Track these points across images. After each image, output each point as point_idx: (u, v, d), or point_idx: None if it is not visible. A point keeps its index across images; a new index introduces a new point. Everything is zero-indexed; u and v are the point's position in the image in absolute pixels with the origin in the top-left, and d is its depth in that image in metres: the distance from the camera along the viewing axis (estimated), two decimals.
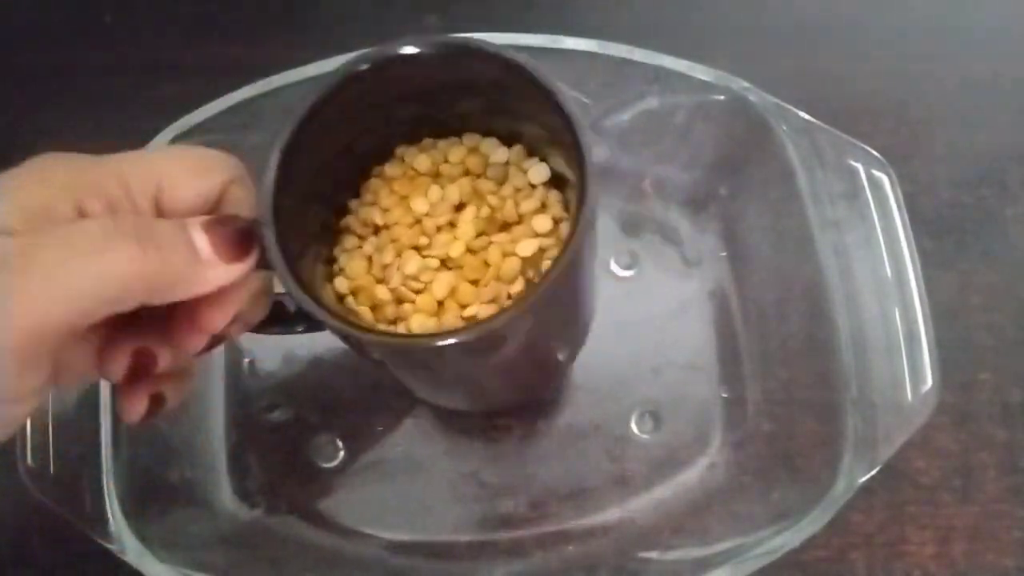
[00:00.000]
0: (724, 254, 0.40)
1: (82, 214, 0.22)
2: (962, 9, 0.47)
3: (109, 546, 0.30)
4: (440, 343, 0.24)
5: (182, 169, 0.24)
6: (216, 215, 0.24)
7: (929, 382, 0.32)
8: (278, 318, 0.29)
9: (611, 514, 0.37)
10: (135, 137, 0.35)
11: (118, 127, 0.43)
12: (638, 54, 0.36)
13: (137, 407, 0.24)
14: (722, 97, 0.36)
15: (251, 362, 0.39)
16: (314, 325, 0.26)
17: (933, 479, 0.38)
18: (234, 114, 0.36)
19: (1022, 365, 0.40)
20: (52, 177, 0.22)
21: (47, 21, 0.46)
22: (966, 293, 0.41)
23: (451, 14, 0.46)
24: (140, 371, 0.24)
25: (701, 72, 0.36)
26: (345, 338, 0.26)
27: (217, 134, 0.36)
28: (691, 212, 0.41)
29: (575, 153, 0.25)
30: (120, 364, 0.23)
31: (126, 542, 0.30)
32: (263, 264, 0.24)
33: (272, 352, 0.39)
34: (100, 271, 0.20)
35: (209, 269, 0.22)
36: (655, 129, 0.39)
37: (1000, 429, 0.39)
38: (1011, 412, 0.39)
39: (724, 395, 0.38)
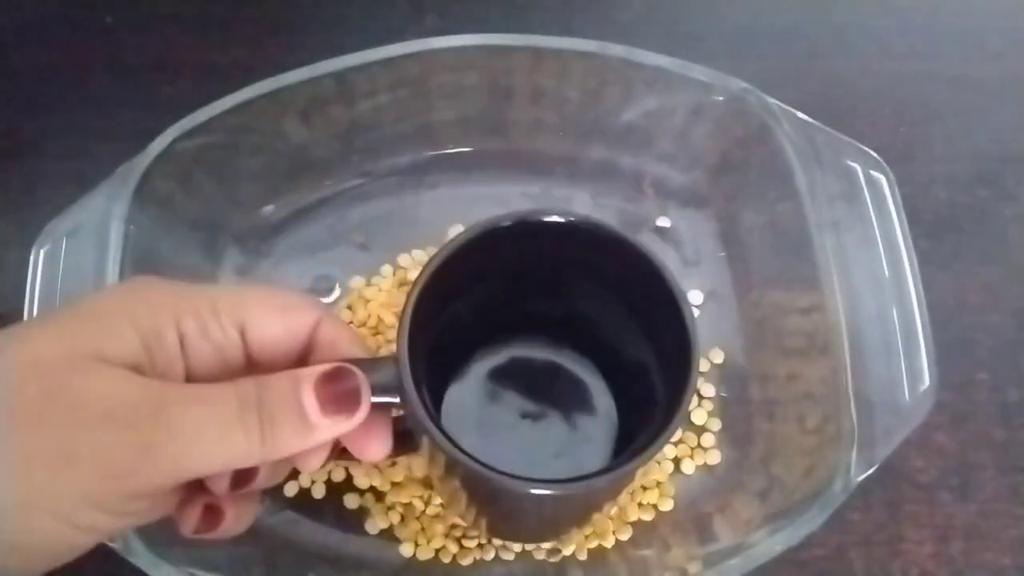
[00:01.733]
0: (723, 254, 0.40)
1: (181, 336, 0.24)
2: (960, 10, 0.47)
3: (111, 544, 0.30)
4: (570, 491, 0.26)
5: (269, 307, 0.26)
6: (328, 369, 0.24)
7: (927, 381, 0.32)
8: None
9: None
10: (135, 137, 0.35)
11: (118, 127, 0.43)
12: (637, 55, 0.36)
13: (190, 520, 0.25)
14: (721, 98, 0.36)
15: None
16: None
17: (931, 478, 0.38)
18: (234, 115, 0.36)
19: (1020, 365, 0.40)
20: (156, 301, 0.24)
21: (48, 21, 0.46)
22: (964, 293, 0.41)
23: (451, 15, 0.46)
24: (209, 525, 0.25)
25: (700, 73, 0.36)
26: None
27: (217, 135, 0.36)
28: (690, 212, 0.41)
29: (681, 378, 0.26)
30: (193, 517, 0.25)
31: (129, 540, 0.30)
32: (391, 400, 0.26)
33: None
34: (227, 449, 0.23)
35: (316, 432, 0.24)
36: (654, 129, 0.39)
37: (998, 428, 0.39)
38: (1009, 411, 0.39)
39: (723, 394, 0.39)
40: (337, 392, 0.24)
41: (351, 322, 0.39)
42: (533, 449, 0.33)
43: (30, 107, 0.45)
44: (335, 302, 0.40)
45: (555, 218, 0.28)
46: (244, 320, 0.25)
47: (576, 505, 0.30)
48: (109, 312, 0.23)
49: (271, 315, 0.26)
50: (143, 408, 0.22)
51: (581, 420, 0.33)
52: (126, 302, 0.24)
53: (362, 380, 0.24)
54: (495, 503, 0.30)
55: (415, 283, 0.27)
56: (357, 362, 0.25)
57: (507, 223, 0.28)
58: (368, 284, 0.40)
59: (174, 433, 0.22)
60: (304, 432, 0.24)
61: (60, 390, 0.21)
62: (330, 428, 0.24)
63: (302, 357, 0.27)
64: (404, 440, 0.28)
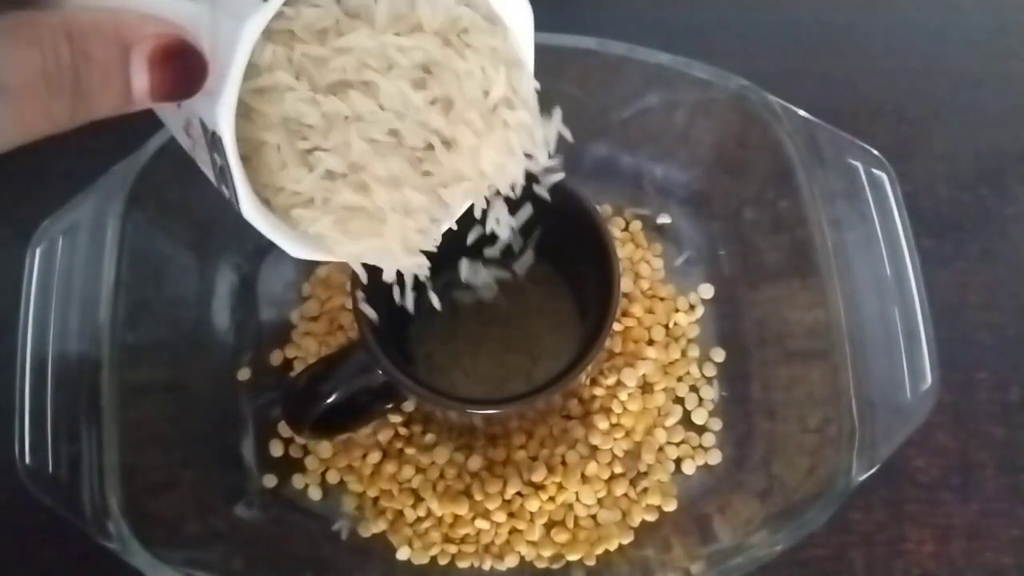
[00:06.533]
0: (723, 252, 0.40)
1: None
2: (961, 9, 0.47)
3: (109, 545, 0.30)
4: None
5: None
6: (167, 43, 0.20)
7: (928, 381, 0.32)
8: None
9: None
10: (132, 135, 0.35)
11: (117, 126, 0.42)
12: (638, 52, 0.36)
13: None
14: (721, 96, 0.36)
15: (250, 361, 0.39)
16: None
17: (932, 477, 0.38)
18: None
19: (1021, 364, 0.40)
20: None
21: None
22: (965, 292, 0.41)
23: None
24: None
25: (700, 70, 0.36)
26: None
27: None
28: (691, 210, 0.41)
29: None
30: None
31: (126, 541, 0.30)
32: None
33: (271, 350, 0.39)
34: (25, 126, 0.20)
35: (138, 106, 0.21)
36: (655, 127, 0.39)
37: (999, 427, 0.39)
38: (1010, 410, 0.39)
39: (724, 394, 0.38)
40: (175, 71, 0.20)
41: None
42: (515, 356, 0.37)
43: None
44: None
45: None
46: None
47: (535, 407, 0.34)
48: None
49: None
50: None
51: (548, 320, 0.38)
52: None
53: (203, 57, 0.20)
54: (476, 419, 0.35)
55: None
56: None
57: None
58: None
59: None
60: (124, 107, 0.20)
61: None
62: (154, 102, 0.20)
63: None
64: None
